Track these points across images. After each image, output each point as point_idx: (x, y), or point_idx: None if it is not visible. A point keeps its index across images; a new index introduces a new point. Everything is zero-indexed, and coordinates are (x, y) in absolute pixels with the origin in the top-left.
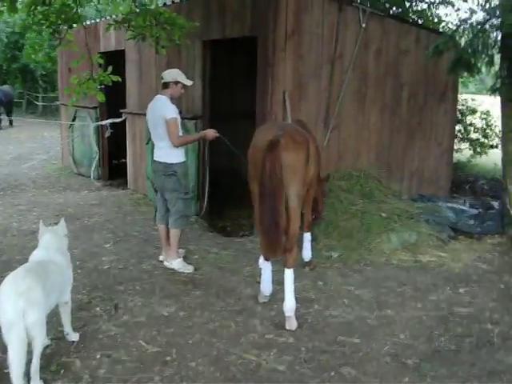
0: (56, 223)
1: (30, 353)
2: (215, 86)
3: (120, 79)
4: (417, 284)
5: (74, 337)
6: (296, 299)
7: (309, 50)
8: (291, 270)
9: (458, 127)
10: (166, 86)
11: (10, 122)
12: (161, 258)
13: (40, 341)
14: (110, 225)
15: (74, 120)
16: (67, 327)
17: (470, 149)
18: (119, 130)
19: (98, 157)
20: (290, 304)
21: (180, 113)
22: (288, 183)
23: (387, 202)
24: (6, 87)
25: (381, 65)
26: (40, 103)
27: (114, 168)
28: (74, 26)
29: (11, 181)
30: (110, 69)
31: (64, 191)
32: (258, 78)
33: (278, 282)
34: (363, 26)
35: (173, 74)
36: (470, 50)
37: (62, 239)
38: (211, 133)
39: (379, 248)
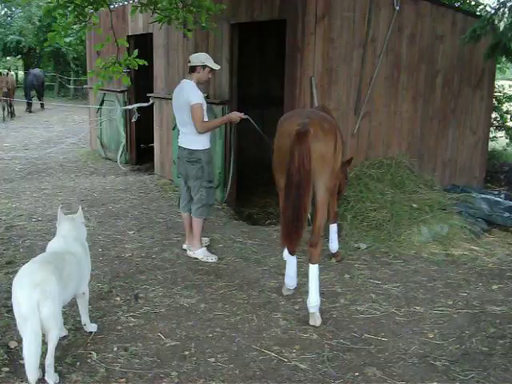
0: (83, 209)
1: (46, 344)
2: (244, 71)
3: (146, 63)
4: (447, 279)
5: (92, 327)
6: (321, 293)
7: (339, 33)
8: (316, 265)
9: (493, 115)
10: (192, 69)
11: (42, 106)
12: (184, 246)
13: (55, 333)
14: (135, 211)
15: (101, 104)
16: (85, 318)
17: (506, 137)
18: (148, 114)
19: (124, 141)
20: (314, 300)
21: (207, 98)
22: (317, 175)
23: (418, 192)
24: (37, 70)
25: (415, 50)
26: (72, 86)
27: (142, 152)
28: (101, 8)
29: (39, 164)
30: (135, 52)
31: (91, 176)
32: (286, 63)
33: (304, 274)
34: (397, 8)
35: (200, 58)
36: (509, 35)
37: (80, 228)
38: (236, 115)
39: (409, 240)
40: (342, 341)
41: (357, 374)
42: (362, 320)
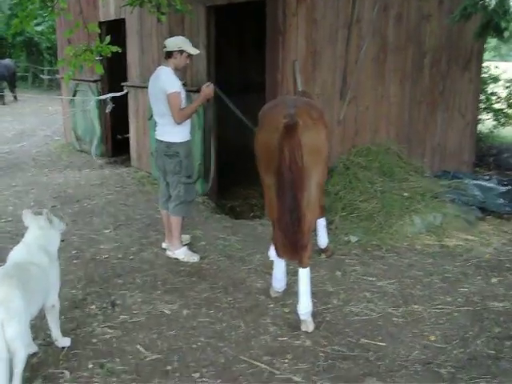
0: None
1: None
2: (223, 57)
3: (120, 50)
4: (444, 273)
5: (64, 342)
6: (312, 293)
7: (323, 14)
8: (307, 269)
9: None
10: (169, 55)
11: (14, 98)
12: (164, 245)
13: (22, 355)
14: (111, 207)
15: (74, 94)
16: (56, 332)
17: (493, 119)
18: (125, 104)
19: (99, 133)
20: (305, 307)
21: (184, 85)
22: (310, 170)
23: (409, 179)
24: (7, 61)
25: (401, 30)
26: (45, 77)
27: (118, 144)
28: None
29: (11, 159)
30: (107, 39)
31: (65, 170)
32: (267, 47)
33: (293, 273)
34: None
35: (177, 42)
36: (501, 12)
37: (45, 233)
38: (208, 89)
39: (401, 232)
40: (337, 347)
41: None
42: (358, 322)
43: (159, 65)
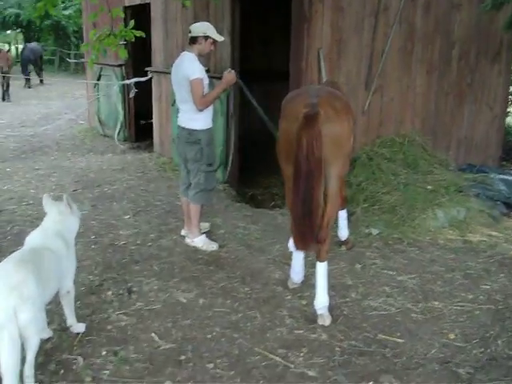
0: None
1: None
2: (248, 43)
3: (144, 34)
4: (467, 269)
5: (79, 328)
6: (331, 286)
7: (349, 1)
8: (324, 263)
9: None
10: (193, 40)
11: (41, 81)
12: (183, 232)
13: (35, 341)
14: (132, 193)
15: (99, 79)
16: (71, 319)
17: None
18: (149, 89)
19: (122, 118)
20: (322, 301)
21: (208, 71)
22: (331, 162)
23: (433, 172)
24: (33, 44)
25: (430, 20)
26: (72, 60)
27: (142, 129)
28: None
29: (35, 143)
30: (131, 23)
31: (87, 154)
32: (292, 35)
33: (312, 265)
34: None
35: (202, 28)
36: None
37: (64, 219)
38: (229, 75)
39: (424, 225)
40: (353, 342)
41: (371, 383)
42: (376, 317)
43: (183, 50)
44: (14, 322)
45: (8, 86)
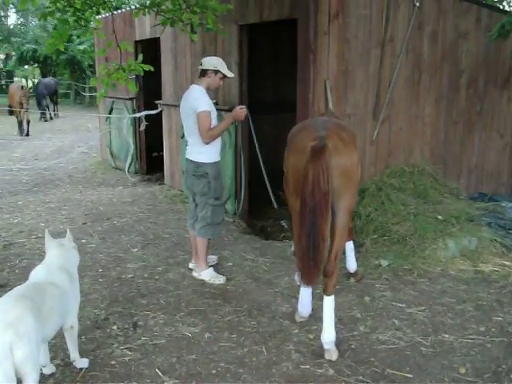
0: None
1: None
2: (257, 76)
3: (152, 68)
4: (478, 301)
5: (82, 363)
6: (339, 319)
7: (355, 32)
8: (331, 297)
9: None
10: (203, 73)
11: (55, 115)
12: (190, 265)
13: (33, 378)
14: (141, 226)
15: (110, 112)
16: (74, 353)
17: None
18: (160, 122)
19: (133, 150)
20: (329, 336)
21: (216, 104)
22: (341, 195)
23: (444, 202)
24: (48, 79)
25: (437, 49)
26: (87, 94)
27: (154, 161)
28: (102, 11)
29: (47, 176)
30: (140, 57)
31: (99, 187)
32: (298, 66)
33: (320, 297)
34: (417, 4)
35: (213, 62)
36: None
37: (68, 254)
38: (240, 110)
39: (434, 256)
40: (361, 377)
41: None
42: (384, 351)
43: (192, 83)
44: (10, 358)
45: (28, 121)
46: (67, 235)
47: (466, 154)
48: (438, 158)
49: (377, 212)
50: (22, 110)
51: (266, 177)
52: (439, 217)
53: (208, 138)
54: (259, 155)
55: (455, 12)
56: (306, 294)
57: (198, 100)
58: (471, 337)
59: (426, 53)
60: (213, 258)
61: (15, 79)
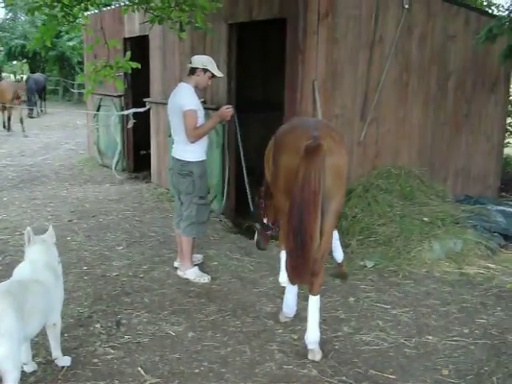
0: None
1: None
2: (245, 74)
3: (139, 66)
4: (462, 303)
5: (64, 361)
6: (323, 319)
7: (344, 33)
8: (317, 297)
9: (508, 120)
10: (192, 71)
11: (41, 111)
12: (176, 264)
13: (13, 376)
14: (127, 224)
15: (98, 109)
16: (56, 351)
17: None
18: (148, 119)
19: (120, 148)
20: (313, 336)
21: (204, 103)
22: (332, 194)
23: (430, 204)
24: (37, 75)
25: (425, 51)
26: (75, 90)
27: (142, 159)
28: (91, 8)
29: (33, 172)
30: (128, 55)
31: (85, 184)
32: (287, 65)
33: (304, 297)
34: (406, 7)
35: (203, 60)
36: None
37: (51, 251)
38: (226, 110)
39: (420, 257)
40: (344, 378)
41: None
42: (368, 352)
43: (180, 81)
44: None
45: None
46: (49, 231)
47: (452, 157)
48: (425, 160)
49: (363, 213)
50: (17, 106)
51: (246, 177)
52: (425, 219)
53: (193, 136)
54: (241, 154)
55: (444, 15)
56: (291, 294)
57: (184, 98)
58: (455, 339)
59: (415, 55)
60: (198, 257)
61: (3, 74)
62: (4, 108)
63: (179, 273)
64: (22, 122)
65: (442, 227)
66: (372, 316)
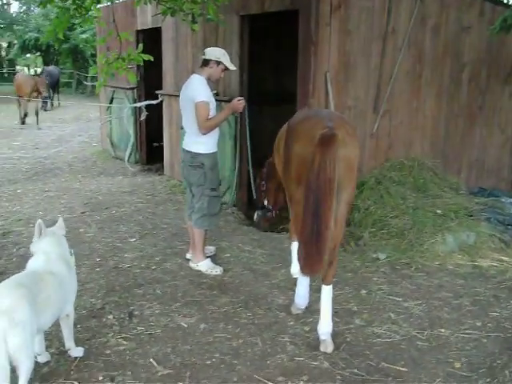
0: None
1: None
2: (258, 66)
3: (152, 58)
4: (475, 296)
5: (77, 352)
6: (335, 312)
7: (357, 25)
8: (330, 286)
9: None
10: (205, 63)
11: (54, 103)
12: (188, 255)
13: (27, 366)
14: (139, 216)
15: (111, 101)
16: (69, 342)
17: None
18: (160, 112)
19: (133, 140)
20: (326, 326)
21: (216, 95)
22: (345, 185)
23: (443, 196)
24: (51, 68)
25: (439, 42)
26: (89, 83)
27: (155, 151)
28: (103, 1)
29: (47, 164)
30: (140, 47)
31: (98, 176)
32: (299, 57)
33: (317, 289)
34: None
35: (216, 53)
36: None
37: (63, 242)
38: (238, 102)
39: (433, 250)
40: (356, 370)
41: None
42: (380, 345)
43: (193, 73)
44: (3, 346)
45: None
46: (59, 223)
47: (466, 149)
48: (439, 152)
49: (376, 205)
50: (36, 99)
51: (251, 169)
52: (438, 211)
53: (205, 128)
54: (248, 146)
55: (458, 5)
56: (303, 285)
57: (197, 90)
58: (467, 331)
59: (428, 46)
60: (210, 249)
61: (17, 67)
62: (22, 101)
63: (191, 265)
64: (37, 114)
65: (455, 220)
66: (384, 308)
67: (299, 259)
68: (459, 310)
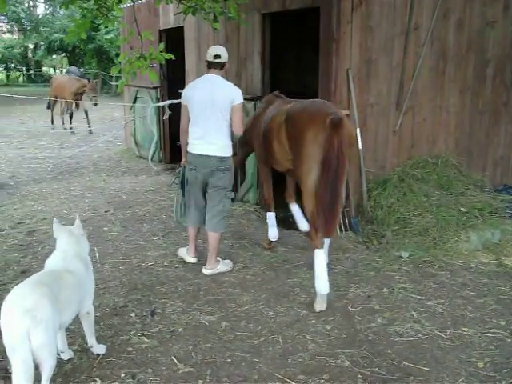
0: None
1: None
2: (280, 64)
3: (173, 57)
4: (499, 294)
5: (100, 349)
6: (356, 310)
7: (378, 21)
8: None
9: None
10: (222, 66)
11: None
12: (191, 259)
13: (49, 364)
14: (163, 214)
15: (135, 101)
16: (91, 339)
17: None
18: None
19: (156, 139)
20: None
21: None
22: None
23: (467, 194)
24: (72, 68)
25: (462, 38)
26: (113, 83)
27: (177, 150)
28: (125, 1)
29: (72, 164)
30: (161, 46)
31: (122, 175)
32: (320, 55)
33: (334, 275)
34: None
35: (226, 54)
36: None
37: (80, 241)
38: None
39: (456, 248)
40: (377, 369)
41: None
42: (402, 344)
43: (209, 74)
44: (27, 345)
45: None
46: (76, 222)
47: (491, 146)
48: (463, 150)
49: (398, 203)
50: (79, 101)
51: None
52: (462, 209)
53: (242, 130)
54: None
55: (482, 0)
56: (322, 267)
57: (235, 91)
58: (491, 331)
59: (452, 42)
60: (228, 264)
61: (43, 69)
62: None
63: (208, 272)
64: (71, 116)
65: (479, 217)
66: (406, 307)
67: (317, 226)
68: (483, 308)
